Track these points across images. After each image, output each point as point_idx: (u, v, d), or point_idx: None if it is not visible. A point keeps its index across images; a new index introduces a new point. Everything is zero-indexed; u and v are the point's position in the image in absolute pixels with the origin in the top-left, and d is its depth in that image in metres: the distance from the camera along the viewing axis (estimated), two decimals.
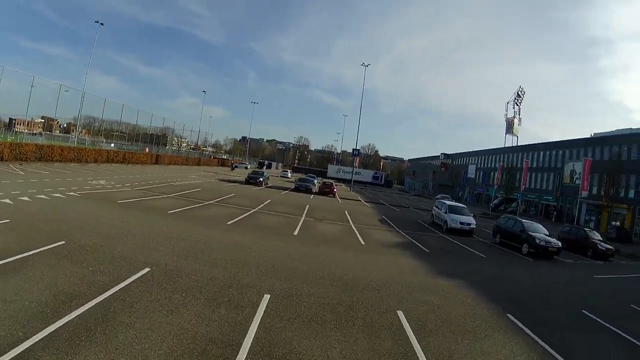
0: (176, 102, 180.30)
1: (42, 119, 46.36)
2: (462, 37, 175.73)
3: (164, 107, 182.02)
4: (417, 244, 16.72)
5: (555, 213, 52.03)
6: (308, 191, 37.29)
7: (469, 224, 22.21)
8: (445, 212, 23.10)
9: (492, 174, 72.74)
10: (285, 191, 36.01)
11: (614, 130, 51.36)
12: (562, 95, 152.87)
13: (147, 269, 7.92)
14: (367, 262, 11.78)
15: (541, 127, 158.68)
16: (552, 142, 57.47)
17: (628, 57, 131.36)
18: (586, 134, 53.71)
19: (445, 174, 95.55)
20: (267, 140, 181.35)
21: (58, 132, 51.12)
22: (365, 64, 54.11)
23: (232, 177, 44.52)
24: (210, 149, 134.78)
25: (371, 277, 10.03)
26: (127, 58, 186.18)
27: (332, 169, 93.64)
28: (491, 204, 58.00)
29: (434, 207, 25.92)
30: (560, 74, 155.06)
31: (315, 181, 50.58)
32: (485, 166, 76.26)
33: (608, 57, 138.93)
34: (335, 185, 44.07)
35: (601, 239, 23.14)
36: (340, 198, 36.82)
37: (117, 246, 9.30)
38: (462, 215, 22.96)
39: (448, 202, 24.36)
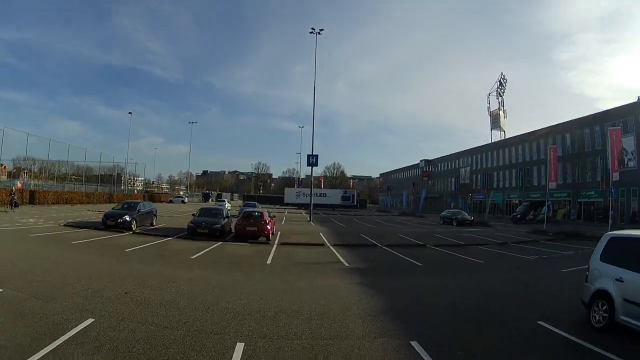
0: (139, 142, 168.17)
1: None
2: (419, 52, 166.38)
3: (124, 149, 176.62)
4: None
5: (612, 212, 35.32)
6: (214, 234, 18.05)
7: None
8: None
9: (496, 174, 56.21)
10: (166, 239, 16.85)
11: None
12: (526, 95, 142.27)
13: None
14: None
15: (515, 126, 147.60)
16: (583, 117, 41.23)
17: (585, 48, 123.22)
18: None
19: (429, 184, 78.64)
20: (229, 172, 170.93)
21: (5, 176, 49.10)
22: (316, 31, 35.19)
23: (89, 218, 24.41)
24: (164, 185, 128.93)
25: None
26: (87, 102, 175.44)
27: (290, 193, 73.63)
28: (514, 214, 40.62)
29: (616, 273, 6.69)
30: (521, 75, 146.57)
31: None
32: (484, 166, 59.56)
33: (567, 51, 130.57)
34: (289, 212, 25.06)
35: None
36: (281, 244, 17.33)
37: None
38: None
39: None
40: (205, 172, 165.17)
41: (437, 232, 26.74)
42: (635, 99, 36.85)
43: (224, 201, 55.35)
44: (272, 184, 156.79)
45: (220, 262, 12.54)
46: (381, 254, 16.29)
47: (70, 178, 56.10)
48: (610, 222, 35.28)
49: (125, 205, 21.49)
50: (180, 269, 11.11)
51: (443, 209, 68.85)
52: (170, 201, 65.36)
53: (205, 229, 18.07)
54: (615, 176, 24.29)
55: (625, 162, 35.82)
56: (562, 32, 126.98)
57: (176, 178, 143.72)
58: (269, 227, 18.28)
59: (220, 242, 16.75)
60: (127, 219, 19.34)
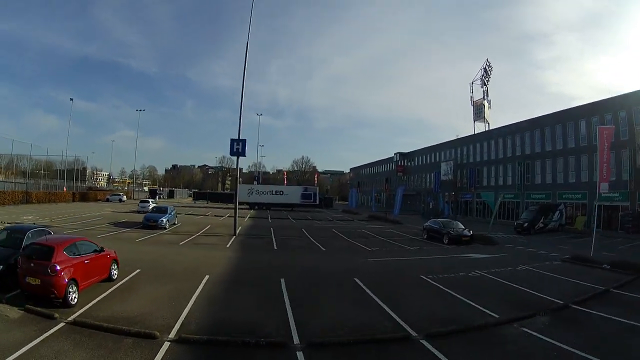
0: (114, 135, 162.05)
1: None
2: (395, 48, 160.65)
3: (102, 144, 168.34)
4: None
5: None
6: None
7: None
8: None
9: (486, 169, 46.50)
10: None
11: None
12: (505, 92, 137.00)
13: None
14: None
15: (497, 122, 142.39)
16: (600, 100, 31.97)
17: (564, 48, 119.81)
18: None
19: (404, 180, 68.69)
20: (199, 166, 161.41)
21: None
22: None
23: None
24: (129, 180, 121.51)
25: None
26: (64, 95, 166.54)
27: (242, 191, 61.45)
28: (519, 222, 30.59)
29: None
30: (498, 73, 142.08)
31: (164, 219, 23.07)
32: (471, 160, 49.80)
33: (545, 51, 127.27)
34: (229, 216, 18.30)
35: None
36: (74, 322, 5.87)
37: None
38: None
39: None
40: (174, 166, 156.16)
41: (423, 263, 16.13)
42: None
43: (148, 201, 42.83)
44: (242, 179, 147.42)
45: None
46: None
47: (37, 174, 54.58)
48: None
49: None
50: None
51: (421, 207, 59.18)
52: (107, 199, 57.84)
53: None
54: None
55: None
56: (540, 31, 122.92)
57: (139, 172, 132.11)
58: (64, 280, 8.41)
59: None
60: None
